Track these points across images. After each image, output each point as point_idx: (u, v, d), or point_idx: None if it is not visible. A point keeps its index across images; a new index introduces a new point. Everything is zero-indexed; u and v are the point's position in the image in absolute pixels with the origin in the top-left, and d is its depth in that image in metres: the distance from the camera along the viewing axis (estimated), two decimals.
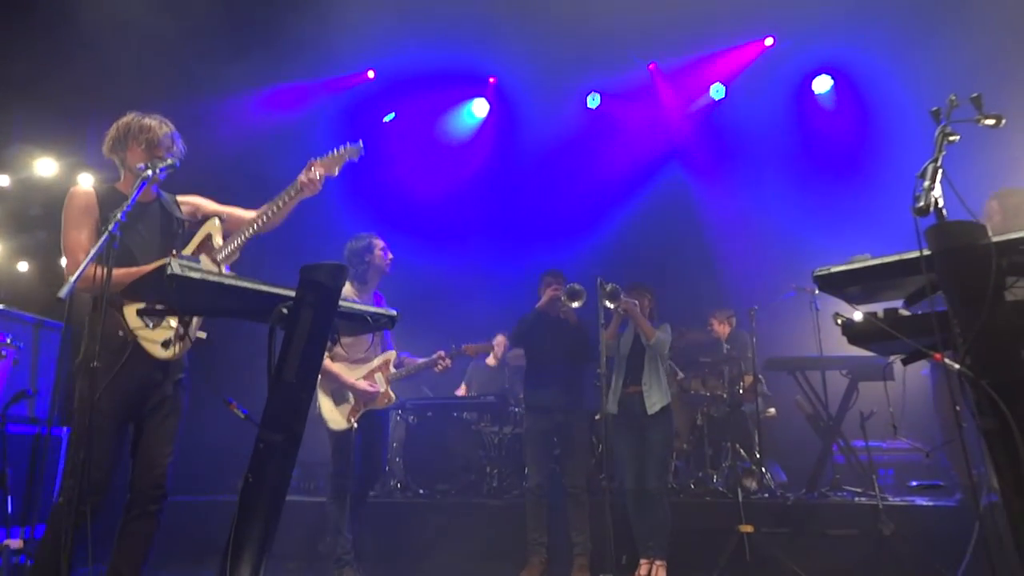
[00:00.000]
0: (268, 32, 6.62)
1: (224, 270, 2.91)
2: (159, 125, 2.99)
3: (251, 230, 2.97)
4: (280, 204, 2.97)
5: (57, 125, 5.66)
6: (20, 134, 5.68)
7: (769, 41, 7.39)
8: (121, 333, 2.76)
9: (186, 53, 6.14)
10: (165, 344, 2.80)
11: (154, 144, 2.94)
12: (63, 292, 2.19)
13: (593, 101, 8.14)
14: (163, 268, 2.06)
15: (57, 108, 5.56)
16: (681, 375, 6.13)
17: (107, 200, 2.89)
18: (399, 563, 4.87)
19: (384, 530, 5.16)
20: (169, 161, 2.86)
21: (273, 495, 2.24)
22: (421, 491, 5.87)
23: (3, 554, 3.53)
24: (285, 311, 2.25)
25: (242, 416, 2.37)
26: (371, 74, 8.07)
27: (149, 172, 2.71)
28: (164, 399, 2.89)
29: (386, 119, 8.32)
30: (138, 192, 2.58)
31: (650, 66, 7.90)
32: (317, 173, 2.94)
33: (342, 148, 3.01)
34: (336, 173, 3.01)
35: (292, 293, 2.29)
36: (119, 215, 2.38)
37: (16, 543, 3.63)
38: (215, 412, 3.23)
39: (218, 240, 2.97)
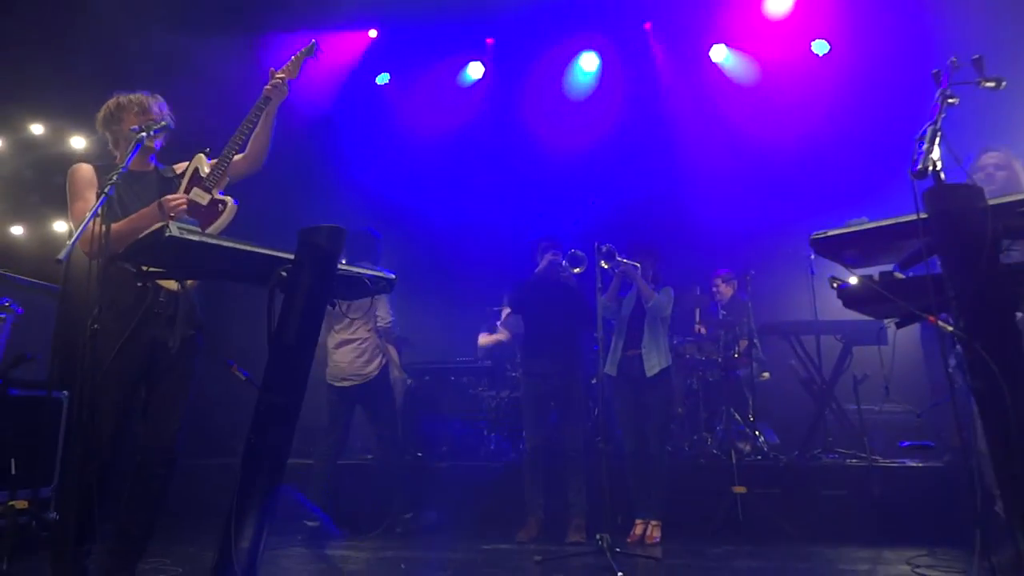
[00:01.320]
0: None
1: (218, 194, 2.92)
2: (148, 97, 3.08)
3: (233, 152, 3.01)
4: (253, 118, 3.05)
5: (48, 86, 5.58)
6: (11, 96, 5.59)
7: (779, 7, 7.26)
8: (139, 283, 2.75)
9: (182, 23, 6.04)
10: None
11: (146, 110, 3.02)
12: (62, 255, 2.19)
13: (587, 65, 8.05)
14: (161, 230, 2.05)
15: (48, 68, 5.47)
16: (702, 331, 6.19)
17: (107, 173, 2.82)
18: (396, 526, 4.95)
19: (381, 492, 5.24)
20: (163, 123, 2.85)
21: (275, 457, 2.27)
22: (419, 454, 5.95)
23: (9, 515, 3.58)
24: (284, 274, 2.25)
25: (243, 378, 2.40)
26: (373, 33, 7.95)
27: (143, 134, 2.70)
28: (174, 361, 2.89)
29: (379, 80, 8.20)
30: (133, 153, 2.58)
31: (646, 25, 7.80)
32: (279, 79, 3.08)
33: (299, 52, 3.17)
34: (297, 75, 3.14)
35: (291, 256, 2.29)
36: (114, 176, 2.37)
37: (21, 503, 3.68)
38: (215, 375, 3.27)
39: (204, 169, 2.99)
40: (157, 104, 3.08)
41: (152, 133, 2.79)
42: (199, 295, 3.05)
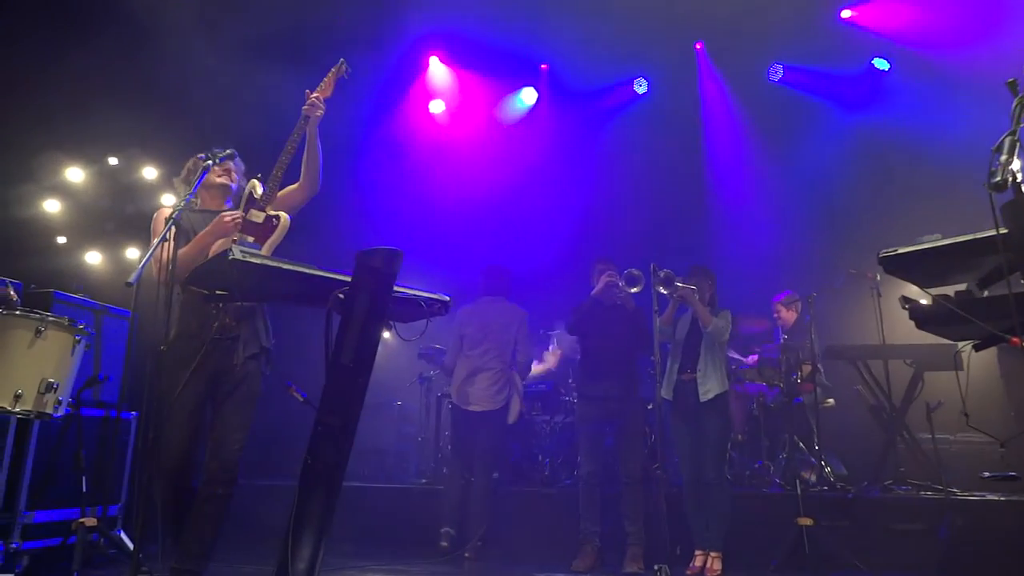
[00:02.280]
0: (326, 30, 6.71)
1: (271, 211, 3.06)
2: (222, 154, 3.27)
3: (282, 168, 3.12)
4: (295, 138, 3.17)
5: (123, 120, 5.89)
6: (90, 130, 5.92)
7: (847, 13, 7.12)
8: (210, 306, 2.87)
9: (241, 52, 6.28)
10: None
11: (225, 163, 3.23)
12: (132, 278, 2.27)
13: (640, 87, 8.04)
14: (225, 253, 2.11)
15: (122, 103, 5.78)
16: (737, 364, 6.02)
17: (184, 216, 3.07)
18: (442, 547, 4.92)
19: (437, 516, 5.22)
20: (228, 151, 2.96)
21: (331, 477, 2.29)
22: (472, 478, 5.92)
23: (79, 531, 3.70)
24: (341, 296, 2.29)
25: (301, 399, 2.43)
26: (435, 60, 8.16)
27: (208, 162, 2.81)
28: (238, 382, 2.97)
29: (433, 108, 8.36)
30: (202, 178, 2.67)
31: (697, 45, 7.75)
32: (315, 98, 3.19)
33: (330, 72, 3.29)
34: (331, 93, 3.25)
35: (348, 279, 2.32)
36: (181, 203, 2.46)
37: (91, 521, 3.80)
38: (271, 396, 3.34)
39: (258, 191, 3.12)
40: (234, 157, 3.28)
41: (218, 161, 2.90)
42: (267, 319, 3.16)
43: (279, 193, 3.23)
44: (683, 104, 7.91)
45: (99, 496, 4.14)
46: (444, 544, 4.88)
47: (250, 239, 2.89)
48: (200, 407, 2.94)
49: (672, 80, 7.93)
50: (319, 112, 3.18)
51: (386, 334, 4.25)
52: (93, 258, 6.17)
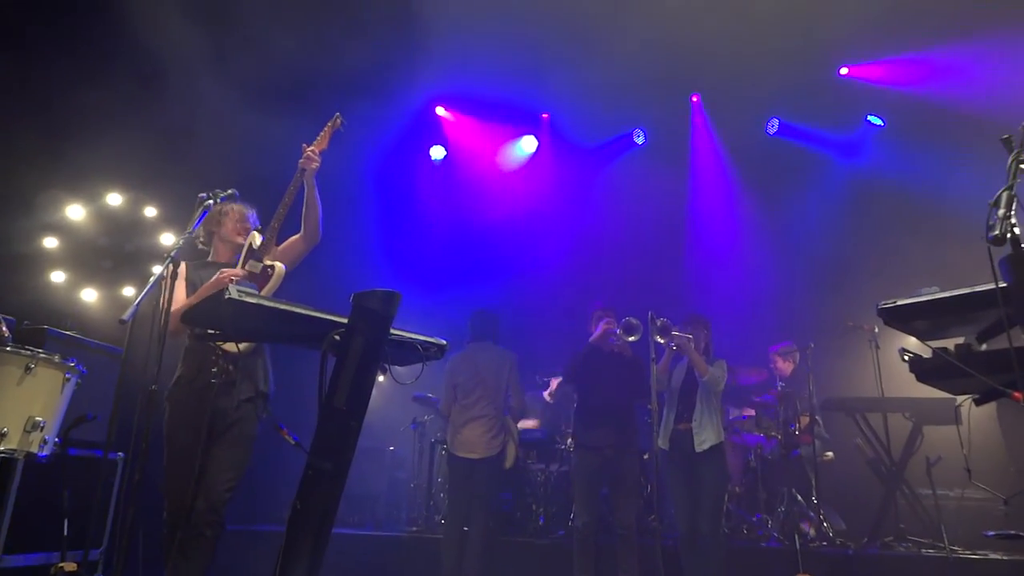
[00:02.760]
0: (333, 77, 6.83)
1: (268, 262, 3.22)
2: (247, 207, 3.47)
3: (279, 220, 3.26)
4: (292, 190, 3.28)
5: (125, 158, 5.94)
6: (91, 167, 5.96)
7: (845, 71, 7.30)
8: (210, 346, 2.97)
9: (250, 102, 6.39)
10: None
11: (244, 218, 3.42)
12: (126, 315, 2.25)
13: (638, 138, 8.17)
14: (221, 292, 2.10)
15: (127, 142, 5.84)
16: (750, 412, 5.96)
17: (197, 270, 3.25)
18: None
19: (428, 566, 5.09)
20: (229, 191, 2.99)
21: (321, 523, 2.22)
22: (465, 528, 5.79)
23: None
24: (337, 337, 2.26)
25: (292, 443, 2.38)
26: (441, 110, 8.30)
27: (210, 202, 2.82)
28: (231, 425, 3.03)
29: (434, 155, 8.47)
30: (201, 218, 2.68)
31: (693, 98, 7.91)
32: (311, 152, 3.28)
33: (326, 126, 3.39)
34: (327, 146, 3.34)
35: (344, 320, 2.30)
36: (180, 241, 2.46)
37: (70, 566, 3.69)
38: (261, 440, 3.29)
39: (257, 243, 3.26)
40: (251, 214, 3.46)
41: (219, 200, 2.93)
42: (268, 363, 3.24)
43: (283, 244, 3.38)
44: (680, 155, 8.02)
45: (80, 540, 4.03)
46: None
47: None
48: (200, 446, 2.93)
49: (670, 132, 8.06)
50: (315, 165, 3.26)
51: (380, 377, 4.23)
52: (89, 295, 6.14)
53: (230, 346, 2.96)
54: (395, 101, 7.58)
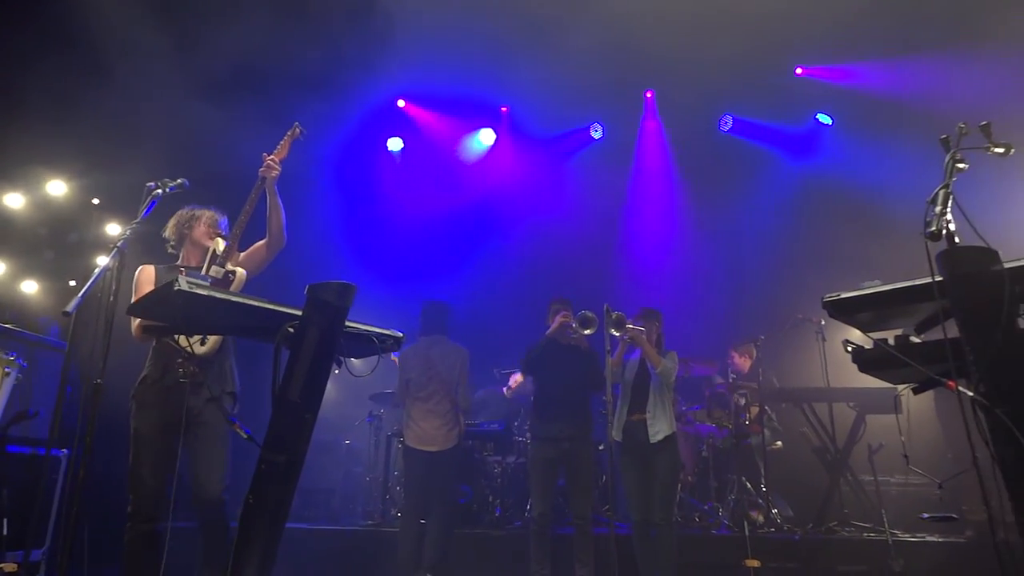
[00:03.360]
0: (288, 71, 6.71)
1: (229, 267, 3.32)
2: (218, 214, 3.58)
3: (240, 227, 3.35)
4: (253, 198, 3.37)
5: (67, 147, 5.73)
6: (31, 155, 5.74)
7: (800, 70, 7.48)
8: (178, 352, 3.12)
9: (203, 94, 6.24)
10: (202, 341, 3.15)
11: (215, 224, 3.51)
12: (70, 307, 2.18)
13: (596, 133, 8.23)
14: (171, 284, 2.05)
15: (70, 130, 5.63)
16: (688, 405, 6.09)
17: (166, 273, 3.32)
18: None
19: (384, 559, 5.07)
20: (179, 181, 2.93)
21: (274, 517, 2.20)
22: (422, 521, 5.78)
23: None
24: (291, 330, 2.23)
25: (245, 436, 2.34)
26: (401, 103, 8.22)
27: (158, 191, 2.76)
28: (202, 424, 3.12)
29: (392, 146, 8.40)
30: (149, 208, 2.61)
31: (647, 94, 8.00)
32: (271, 160, 3.40)
33: (286, 135, 3.52)
34: (286, 155, 3.47)
35: (298, 312, 2.27)
36: (127, 231, 2.40)
37: (10, 567, 3.57)
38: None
39: (220, 247, 3.37)
40: (223, 220, 3.56)
41: (168, 190, 2.87)
42: (234, 363, 3.35)
43: (248, 250, 3.48)
44: (636, 150, 8.11)
45: (21, 540, 3.89)
46: None
47: None
48: (166, 450, 3.03)
49: (627, 127, 8.14)
50: (275, 173, 3.37)
51: (336, 370, 4.19)
52: (30, 287, 5.92)
53: (197, 347, 3.10)
54: (353, 93, 7.48)
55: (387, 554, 5.07)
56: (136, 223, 2.57)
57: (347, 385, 7.24)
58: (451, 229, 8.05)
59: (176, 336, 3.05)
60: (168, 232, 3.50)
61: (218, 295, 2.17)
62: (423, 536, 4.98)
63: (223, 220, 3.55)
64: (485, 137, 8.44)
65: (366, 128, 8.04)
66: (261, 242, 3.50)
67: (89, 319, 2.67)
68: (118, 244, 2.42)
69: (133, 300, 3.18)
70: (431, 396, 5.10)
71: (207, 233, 3.42)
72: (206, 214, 3.50)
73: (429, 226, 8.07)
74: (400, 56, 6.91)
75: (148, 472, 2.99)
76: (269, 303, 2.31)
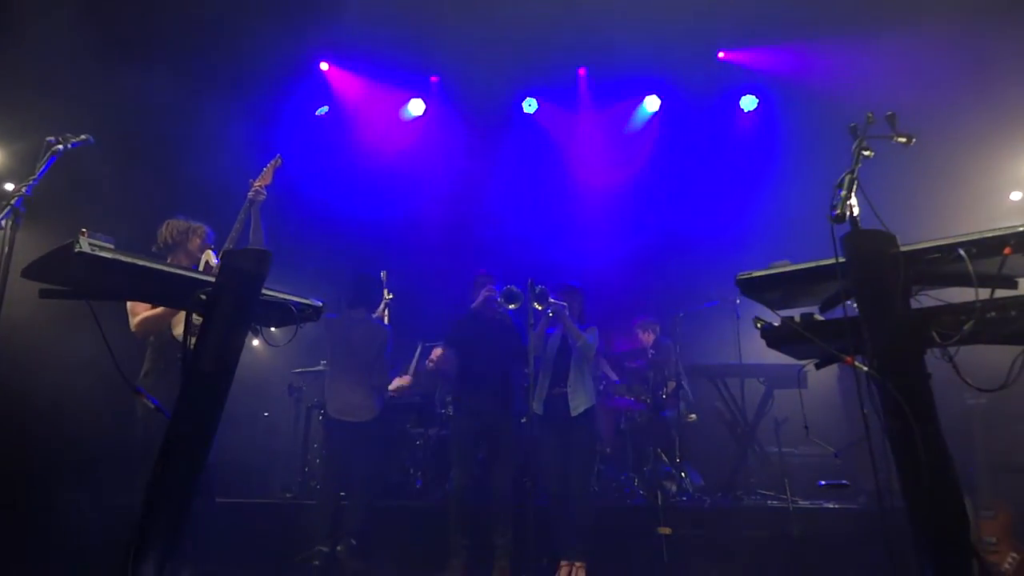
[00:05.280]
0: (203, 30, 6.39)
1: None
2: (205, 228, 3.96)
3: (232, 243, 3.73)
4: (241, 219, 3.81)
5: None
6: None
7: (723, 55, 7.62)
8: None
9: (111, 46, 5.87)
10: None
11: (205, 236, 3.90)
12: None
13: (529, 107, 8.19)
14: (70, 245, 1.93)
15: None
16: (615, 378, 6.23)
17: None
18: (314, 566, 4.73)
19: (302, 532, 5.01)
20: (83, 137, 2.76)
21: (182, 492, 2.13)
22: (341, 493, 5.73)
23: None
24: (204, 296, 2.15)
25: (152, 407, 2.25)
26: (324, 65, 7.93)
27: (60, 146, 2.59)
28: None
29: (319, 112, 8.12)
30: (48, 164, 2.45)
31: (580, 71, 8.03)
32: (257, 187, 3.90)
33: (268, 164, 3.99)
34: (271, 181, 3.97)
35: (211, 279, 2.19)
36: (23, 188, 2.24)
37: None
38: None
39: (212, 262, 3.66)
40: (211, 232, 3.95)
41: (70, 146, 2.69)
42: None
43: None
44: (567, 125, 8.14)
45: None
46: (316, 563, 4.70)
47: None
48: None
49: (559, 102, 8.14)
50: (262, 198, 3.87)
51: (255, 341, 4.12)
52: None
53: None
54: (276, 54, 7.20)
55: (305, 527, 5.01)
56: (34, 180, 2.40)
57: (268, 357, 7.07)
58: (377, 199, 7.90)
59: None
60: (161, 238, 3.85)
61: (125, 258, 2.06)
62: (342, 509, 4.95)
63: (211, 232, 3.93)
64: (414, 107, 8.28)
65: (287, 90, 7.74)
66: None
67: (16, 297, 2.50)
68: (12, 202, 2.26)
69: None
70: (352, 369, 5.05)
71: (202, 247, 3.80)
72: (201, 228, 3.90)
73: (355, 196, 7.88)
74: (324, 16, 6.67)
75: None
76: (181, 269, 2.23)
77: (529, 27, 6.91)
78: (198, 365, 2.14)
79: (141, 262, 2.09)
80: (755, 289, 2.28)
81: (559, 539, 4.63)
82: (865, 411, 2.04)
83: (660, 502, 4.96)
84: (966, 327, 1.91)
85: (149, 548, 2.01)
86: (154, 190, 6.11)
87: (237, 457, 6.76)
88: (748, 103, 7.75)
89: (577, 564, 4.51)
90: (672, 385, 6.11)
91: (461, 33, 7.14)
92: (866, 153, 2.20)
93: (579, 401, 4.66)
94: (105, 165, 5.50)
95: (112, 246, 2.04)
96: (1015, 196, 6.47)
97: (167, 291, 2.32)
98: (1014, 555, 3.99)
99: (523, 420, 5.79)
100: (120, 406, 3.75)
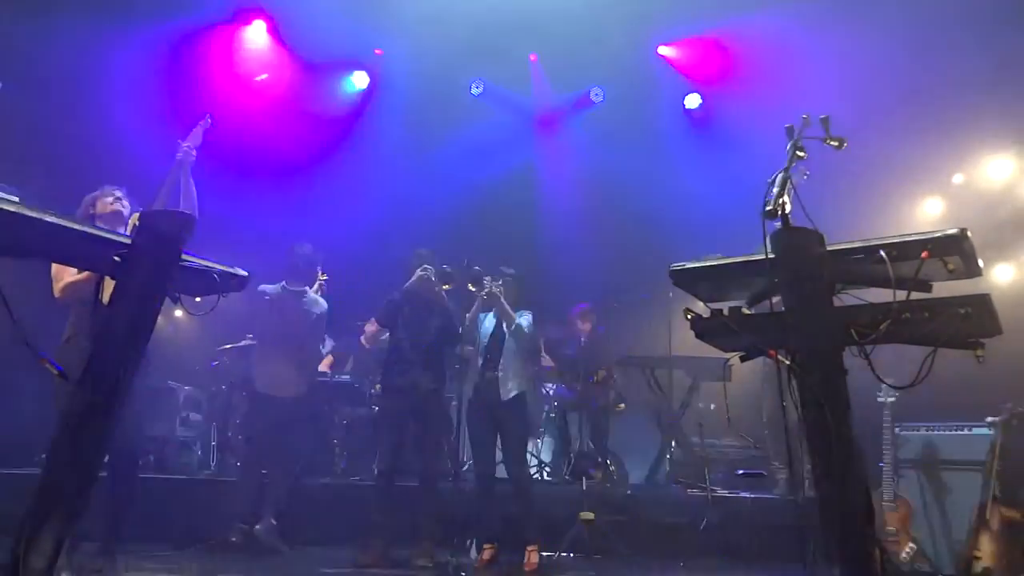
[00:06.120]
0: None
1: None
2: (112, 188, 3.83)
3: (162, 206, 3.67)
4: (170, 181, 3.77)
5: None
6: None
7: (665, 50, 7.69)
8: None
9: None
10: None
11: (113, 193, 3.77)
12: None
13: (477, 88, 8.10)
14: None
15: None
16: (550, 363, 6.25)
17: None
18: (231, 542, 4.61)
19: (222, 509, 4.87)
20: None
21: (87, 463, 2.01)
22: (263, 471, 5.59)
23: None
24: (117, 259, 2.03)
25: (56, 373, 2.11)
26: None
27: None
28: None
29: (258, 78, 7.82)
30: None
31: (532, 57, 7.99)
32: (187, 147, 3.85)
33: (198, 125, 3.95)
34: (200, 142, 3.91)
35: (127, 240, 2.07)
36: None
37: None
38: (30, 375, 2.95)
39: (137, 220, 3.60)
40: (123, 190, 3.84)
41: None
42: None
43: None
44: (514, 110, 8.10)
45: None
46: (235, 540, 4.59)
47: None
48: None
49: (506, 85, 8.09)
50: (191, 159, 3.82)
51: (178, 312, 3.95)
52: None
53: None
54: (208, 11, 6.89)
55: (224, 504, 4.86)
56: None
57: (189, 329, 6.82)
58: (316, 174, 7.69)
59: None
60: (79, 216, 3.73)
61: (31, 213, 1.91)
62: (264, 486, 4.83)
63: (123, 190, 3.77)
64: (358, 79, 8.08)
65: (221, 52, 7.43)
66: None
67: None
68: None
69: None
70: (284, 342, 4.92)
71: (110, 202, 3.65)
72: (104, 190, 3.75)
73: (295, 168, 7.65)
74: None
75: None
76: (95, 229, 2.09)
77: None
78: (108, 330, 2.02)
79: (47, 218, 1.95)
80: (687, 280, 2.31)
81: (484, 522, 4.64)
82: (784, 403, 2.09)
83: (584, 487, 5.02)
84: (883, 327, 1.98)
85: (45, 527, 1.89)
86: (71, 144, 5.79)
87: (155, 432, 6.52)
88: (692, 101, 7.89)
89: (529, 548, 4.54)
90: (603, 374, 6.19)
91: (408, 8, 7.00)
92: (800, 154, 2.24)
93: (510, 385, 4.66)
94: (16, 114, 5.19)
95: (16, 199, 1.89)
96: (957, 179, 6.71)
97: (80, 252, 2.18)
98: (912, 545, 4.22)
99: (453, 402, 5.77)
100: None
